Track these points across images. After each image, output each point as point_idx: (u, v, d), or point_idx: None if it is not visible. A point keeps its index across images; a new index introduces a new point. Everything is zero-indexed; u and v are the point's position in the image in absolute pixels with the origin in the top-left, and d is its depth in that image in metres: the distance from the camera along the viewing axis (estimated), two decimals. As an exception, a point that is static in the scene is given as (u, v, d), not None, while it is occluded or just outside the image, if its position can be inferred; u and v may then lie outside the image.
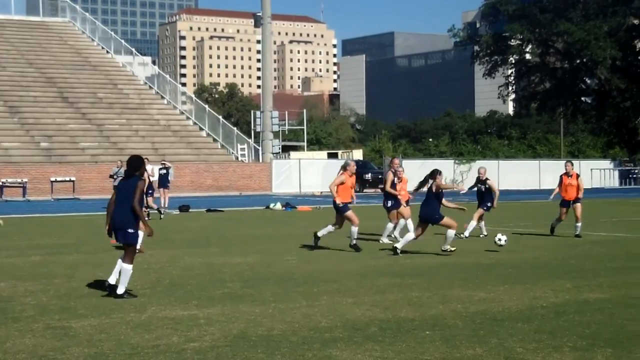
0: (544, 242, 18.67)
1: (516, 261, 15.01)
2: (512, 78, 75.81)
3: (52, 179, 43.06)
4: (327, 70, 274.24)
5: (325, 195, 46.83)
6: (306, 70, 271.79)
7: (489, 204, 20.05)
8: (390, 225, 18.87)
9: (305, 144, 68.60)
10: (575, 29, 65.01)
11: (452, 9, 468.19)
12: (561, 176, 20.49)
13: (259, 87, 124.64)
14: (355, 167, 17.21)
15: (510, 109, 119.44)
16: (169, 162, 34.01)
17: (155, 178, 29.15)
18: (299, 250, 16.89)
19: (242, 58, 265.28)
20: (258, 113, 53.55)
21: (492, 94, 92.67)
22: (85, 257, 15.75)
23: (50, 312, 9.87)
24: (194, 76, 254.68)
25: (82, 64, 57.83)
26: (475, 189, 20.39)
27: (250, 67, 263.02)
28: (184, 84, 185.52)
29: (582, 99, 74.80)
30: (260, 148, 51.92)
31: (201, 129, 53.81)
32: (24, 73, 54.73)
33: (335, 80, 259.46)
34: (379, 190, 49.37)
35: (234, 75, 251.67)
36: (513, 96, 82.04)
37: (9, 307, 10.24)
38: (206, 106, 57.15)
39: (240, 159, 51.36)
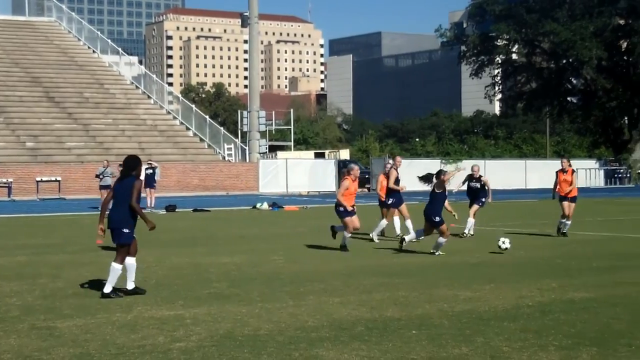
0: (530, 242, 18.74)
1: (502, 260, 15.05)
2: (498, 78, 75.97)
3: (38, 178, 42.87)
4: (315, 70, 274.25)
5: (312, 195, 46.86)
6: (293, 70, 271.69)
7: (483, 199, 20.14)
8: (383, 222, 18.77)
9: (292, 143, 68.57)
10: (562, 29, 65.21)
11: (439, 9, 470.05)
12: (557, 172, 20.58)
13: (246, 87, 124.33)
14: (359, 171, 16.86)
15: (497, 108, 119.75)
16: (156, 162, 33.96)
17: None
18: (285, 250, 16.88)
19: (229, 58, 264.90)
20: (245, 113, 53.45)
21: (479, 94, 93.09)
22: (70, 257, 15.70)
23: (36, 312, 9.83)
24: (181, 76, 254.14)
25: (69, 63, 57.61)
26: (465, 186, 20.44)
27: (237, 67, 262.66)
28: (170, 84, 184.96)
29: (568, 98, 75.03)
30: (247, 148, 51.85)
31: (188, 128, 53.69)
32: (10, 73, 54.47)
33: (322, 80, 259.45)
34: (366, 190, 49.61)
35: (221, 75, 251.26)
36: (499, 96, 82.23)
37: (-6, 308, 10.20)
38: (193, 106, 57.06)
39: (227, 158, 51.27)
